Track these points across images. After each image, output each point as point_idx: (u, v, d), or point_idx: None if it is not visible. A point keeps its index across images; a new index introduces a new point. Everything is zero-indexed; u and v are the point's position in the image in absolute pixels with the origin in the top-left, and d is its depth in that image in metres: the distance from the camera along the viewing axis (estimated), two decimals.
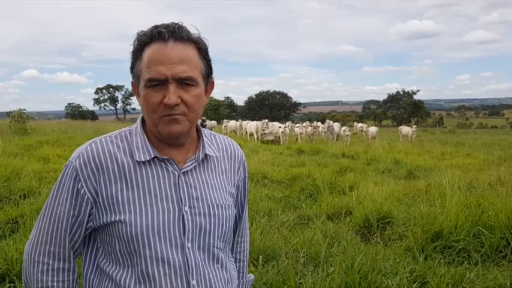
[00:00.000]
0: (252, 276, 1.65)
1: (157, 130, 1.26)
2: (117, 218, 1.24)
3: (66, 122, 27.70)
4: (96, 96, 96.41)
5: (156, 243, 1.24)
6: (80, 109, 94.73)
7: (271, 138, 21.32)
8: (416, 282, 3.53)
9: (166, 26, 1.21)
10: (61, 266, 1.29)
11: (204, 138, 1.38)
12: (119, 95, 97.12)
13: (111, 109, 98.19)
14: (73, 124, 24.44)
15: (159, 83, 1.20)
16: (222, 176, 1.40)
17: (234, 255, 1.58)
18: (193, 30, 1.26)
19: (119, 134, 1.33)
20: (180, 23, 1.24)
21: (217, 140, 1.45)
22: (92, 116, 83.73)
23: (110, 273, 1.29)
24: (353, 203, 5.93)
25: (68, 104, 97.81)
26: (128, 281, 1.26)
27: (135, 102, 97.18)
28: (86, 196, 1.25)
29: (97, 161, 1.26)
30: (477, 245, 4.32)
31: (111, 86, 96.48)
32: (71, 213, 1.26)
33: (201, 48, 1.27)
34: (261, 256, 3.90)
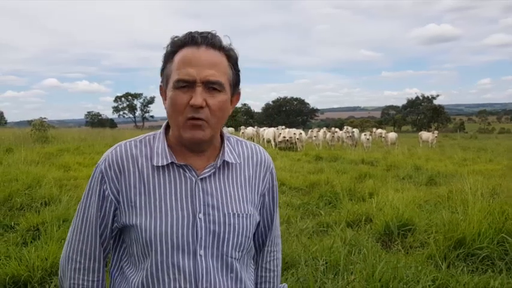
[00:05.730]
0: (285, 285, 1.61)
1: (179, 134, 1.27)
2: (134, 222, 1.27)
3: (86, 130, 28.07)
4: (115, 104, 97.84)
5: (168, 248, 1.25)
6: (100, 117, 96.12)
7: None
8: None
9: (200, 33, 1.25)
10: (91, 265, 1.33)
11: (227, 145, 1.37)
12: (137, 102, 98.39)
13: (129, 117, 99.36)
14: (93, 132, 24.77)
15: (187, 85, 1.22)
16: (243, 184, 1.38)
17: (263, 264, 1.55)
18: (226, 40, 1.28)
19: (143, 138, 1.37)
20: (214, 32, 1.27)
21: (242, 147, 1.43)
22: (111, 124, 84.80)
23: (127, 274, 1.33)
24: (373, 210, 5.86)
25: (88, 112, 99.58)
26: (138, 283, 1.28)
27: (153, 110, 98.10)
28: (110, 198, 1.30)
29: (120, 164, 1.30)
30: (501, 253, 4.22)
31: (130, 94, 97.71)
32: (98, 214, 1.31)
33: (231, 58, 1.29)
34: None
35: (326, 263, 3.99)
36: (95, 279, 1.35)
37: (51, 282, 3.68)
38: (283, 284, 1.62)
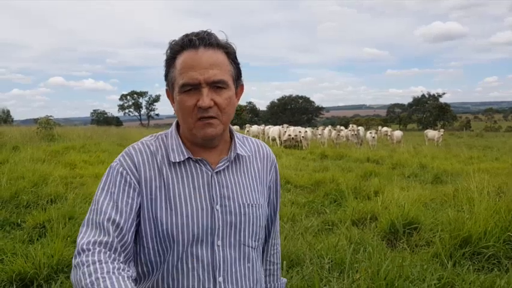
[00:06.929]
0: (285, 280, 1.68)
1: (192, 134, 1.31)
2: (154, 215, 1.29)
3: (91, 128, 28.13)
4: (121, 103, 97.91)
5: (189, 239, 1.28)
6: (105, 115, 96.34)
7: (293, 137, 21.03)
8: None
9: (196, 34, 1.27)
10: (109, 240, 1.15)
11: (236, 139, 1.43)
12: (143, 101, 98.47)
13: (135, 115, 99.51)
14: (98, 130, 24.79)
15: (192, 88, 1.25)
16: (254, 176, 1.44)
17: (268, 257, 1.61)
18: (221, 36, 1.31)
19: (156, 137, 1.41)
20: (209, 30, 1.30)
21: (249, 142, 1.50)
22: (116, 122, 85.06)
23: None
24: (378, 208, 5.84)
25: (94, 110, 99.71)
26: (158, 276, 1.30)
27: (158, 108, 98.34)
28: (133, 185, 1.28)
29: (135, 161, 1.31)
30: (508, 251, 4.20)
31: (135, 92, 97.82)
32: (111, 203, 1.22)
33: (230, 53, 1.32)
34: (285, 262, 3.86)
35: (331, 261, 3.98)
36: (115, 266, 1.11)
37: (58, 280, 3.70)
38: (283, 278, 1.69)
